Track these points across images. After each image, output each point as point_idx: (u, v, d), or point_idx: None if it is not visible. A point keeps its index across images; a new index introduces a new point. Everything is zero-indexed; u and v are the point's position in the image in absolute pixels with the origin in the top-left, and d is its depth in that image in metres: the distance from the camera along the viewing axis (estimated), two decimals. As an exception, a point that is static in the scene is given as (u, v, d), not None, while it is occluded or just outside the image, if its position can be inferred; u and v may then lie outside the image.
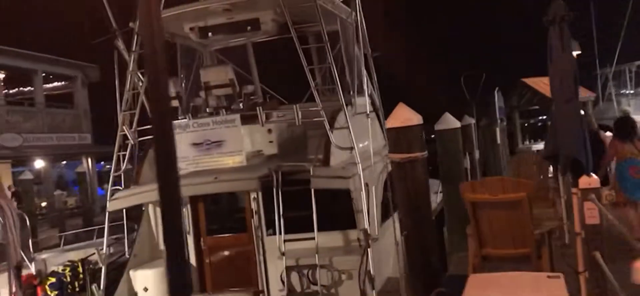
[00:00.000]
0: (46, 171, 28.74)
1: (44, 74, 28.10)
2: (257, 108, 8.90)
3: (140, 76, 9.23)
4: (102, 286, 8.92)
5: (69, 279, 9.76)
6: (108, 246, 9.07)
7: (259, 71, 11.88)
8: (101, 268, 8.97)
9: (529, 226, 6.26)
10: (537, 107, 28.80)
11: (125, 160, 9.20)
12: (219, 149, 8.70)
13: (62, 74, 29.85)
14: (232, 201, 9.91)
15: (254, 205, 8.85)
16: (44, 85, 28.56)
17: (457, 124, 10.99)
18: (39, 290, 10.38)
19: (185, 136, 8.86)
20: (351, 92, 9.47)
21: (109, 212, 9.09)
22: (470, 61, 36.26)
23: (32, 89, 28.55)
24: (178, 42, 10.65)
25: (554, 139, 5.70)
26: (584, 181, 5.12)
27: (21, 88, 29.91)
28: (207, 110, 9.44)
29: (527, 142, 30.66)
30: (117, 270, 9.37)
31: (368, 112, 9.54)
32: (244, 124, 8.98)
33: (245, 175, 8.42)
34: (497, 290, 4.44)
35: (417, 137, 6.92)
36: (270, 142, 9.34)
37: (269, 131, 9.21)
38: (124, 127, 9.13)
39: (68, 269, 9.95)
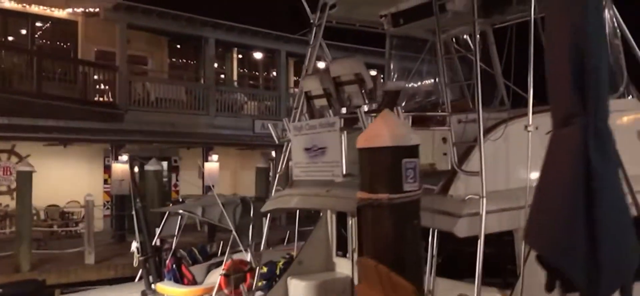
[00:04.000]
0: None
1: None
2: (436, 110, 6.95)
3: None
4: (253, 287, 8.74)
5: (279, 271, 9.28)
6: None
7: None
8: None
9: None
10: None
11: (284, 160, 8.64)
12: (323, 157, 7.30)
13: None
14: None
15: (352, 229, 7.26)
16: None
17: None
18: (248, 275, 10.13)
19: (300, 139, 7.69)
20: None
21: (263, 212, 8.64)
22: None
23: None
24: (389, 31, 8.87)
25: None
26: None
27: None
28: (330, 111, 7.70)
29: None
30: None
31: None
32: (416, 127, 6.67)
33: (350, 193, 6.31)
34: None
35: (386, 169, 4.42)
36: (444, 154, 6.88)
37: (444, 140, 6.91)
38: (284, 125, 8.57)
39: (282, 261, 9.55)
